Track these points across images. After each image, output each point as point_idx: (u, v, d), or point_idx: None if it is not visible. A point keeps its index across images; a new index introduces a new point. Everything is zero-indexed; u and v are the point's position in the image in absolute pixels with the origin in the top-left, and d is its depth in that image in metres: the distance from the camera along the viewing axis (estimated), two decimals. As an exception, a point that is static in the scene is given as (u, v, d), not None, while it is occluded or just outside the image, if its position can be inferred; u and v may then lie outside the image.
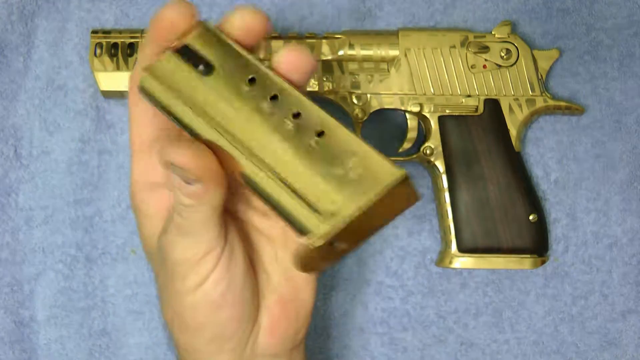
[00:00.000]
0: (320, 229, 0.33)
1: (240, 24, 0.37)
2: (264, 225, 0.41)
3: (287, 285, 0.40)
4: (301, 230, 0.34)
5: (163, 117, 0.38)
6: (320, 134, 0.35)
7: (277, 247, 0.41)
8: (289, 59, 0.37)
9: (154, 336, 0.54)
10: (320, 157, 0.34)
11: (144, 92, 0.38)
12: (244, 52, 0.37)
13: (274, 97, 0.36)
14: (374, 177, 0.33)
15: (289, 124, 0.35)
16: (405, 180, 0.33)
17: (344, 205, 0.33)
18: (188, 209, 0.36)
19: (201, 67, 0.37)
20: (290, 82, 0.37)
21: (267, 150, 0.35)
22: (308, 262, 0.34)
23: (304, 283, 0.41)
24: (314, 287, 0.41)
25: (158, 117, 0.38)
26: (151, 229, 0.40)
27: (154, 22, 0.37)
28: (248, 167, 0.35)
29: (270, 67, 0.37)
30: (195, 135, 0.37)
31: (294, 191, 0.34)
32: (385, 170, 0.33)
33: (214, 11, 0.56)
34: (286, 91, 0.36)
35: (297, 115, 0.35)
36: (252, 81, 0.36)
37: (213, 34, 0.38)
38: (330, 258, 0.36)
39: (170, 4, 0.37)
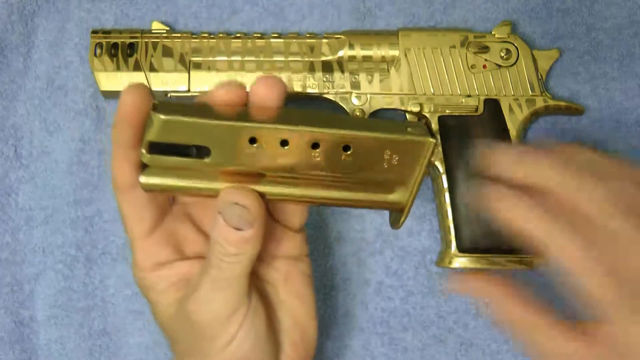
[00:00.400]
0: (404, 199, 0.41)
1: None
2: (264, 271, 0.42)
3: (295, 328, 0.42)
4: (393, 208, 0.42)
5: (159, 196, 0.40)
6: (345, 147, 0.38)
7: (280, 291, 0.42)
8: (260, 93, 0.38)
9: (154, 336, 0.54)
10: (361, 164, 0.39)
11: (150, 190, 0.39)
12: (222, 122, 0.37)
13: (283, 143, 0.38)
14: (412, 153, 0.39)
15: (317, 156, 0.38)
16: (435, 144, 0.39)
17: (407, 177, 0.40)
18: (230, 259, 0.37)
19: (193, 151, 0.38)
20: (282, 118, 0.38)
21: (321, 191, 0.40)
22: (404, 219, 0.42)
23: (309, 321, 0.43)
24: (316, 322, 0.43)
25: (154, 198, 0.40)
26: (166, 301, 0.41)
27: (117, 120, 0.38)
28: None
29: (255, 119, 0.38)
30: None
31: (362, 200, 0.41)
32: (415, 143, 0.39)
33: (213, 12, 0.56)
34: (292, 133, 0.37)
35: (316, 146, 0.38)
36: (253, 141, 0.37)
37: (178, 121, 0.36)
38: None
39: (127, 89, 0.37)
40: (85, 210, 0.54)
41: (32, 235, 0.54)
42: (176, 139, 0.37)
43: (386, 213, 0.54)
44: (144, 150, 0.38)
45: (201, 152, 0.38)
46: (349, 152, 0.38)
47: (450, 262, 0.51)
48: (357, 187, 0.40)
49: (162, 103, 0.37)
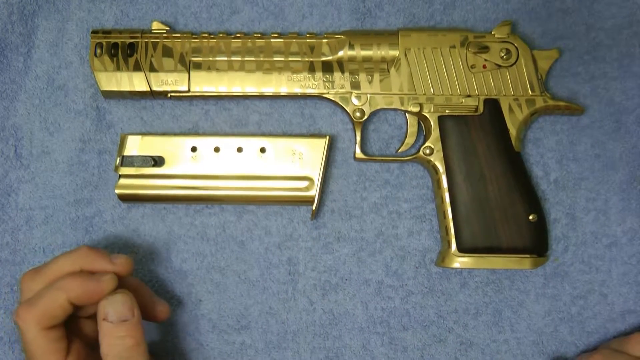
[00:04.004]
0: (312, 192, 0.52)
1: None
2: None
3: None
4: (305, 202, 0.53)
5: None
6: (262, 149, 0.53)
7: None
8: None
9: (152, 336, 0.54)
10: (275, 161, 0.52)
11: (123, 198, 0.52)
12: (169, 136, 0.53)
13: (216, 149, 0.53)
14: (314, 148, 0.52)
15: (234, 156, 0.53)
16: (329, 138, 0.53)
17: (313, 167, 0.52)
18: (131, 349, 0.43)
19: (152, 162, 0.52)
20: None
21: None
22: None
23: None
24: None
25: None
26: None
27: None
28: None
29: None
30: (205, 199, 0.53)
31: (279, 188, 0.52)
32: (315, 141, 0.53)
33: (213, 12, 0.56)
34: (223, 139, 0.53)
35: (239, 150, 0.53)
36: (193, 149, 0.52)
37: (140, 139, 0.52)
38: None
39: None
40: (85, 210, 0.54)
41: (32, 235, 0.54)
42: (139, 152, 0.52)
43: (387, 213, 0.54)
44: (117, 163, 0.52)
45: (157, 163, 0.52)
46: (264, 152, 0.52)
47: (450, 262, 0.51)
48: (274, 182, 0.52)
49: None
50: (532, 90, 0.52)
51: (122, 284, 0.46)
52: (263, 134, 0.54)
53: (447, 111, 0.52)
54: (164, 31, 0.53)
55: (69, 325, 0.46)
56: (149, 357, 0.45)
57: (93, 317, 0.47)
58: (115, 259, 0.46)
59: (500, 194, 0.51)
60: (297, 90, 0.52)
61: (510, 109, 0.52)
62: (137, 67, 0.52)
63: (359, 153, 0.53)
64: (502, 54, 0.52)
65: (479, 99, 0.52)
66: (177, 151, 0.52)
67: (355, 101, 0.52)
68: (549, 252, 0.54)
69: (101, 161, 0.55)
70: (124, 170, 0.52)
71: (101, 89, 0.52)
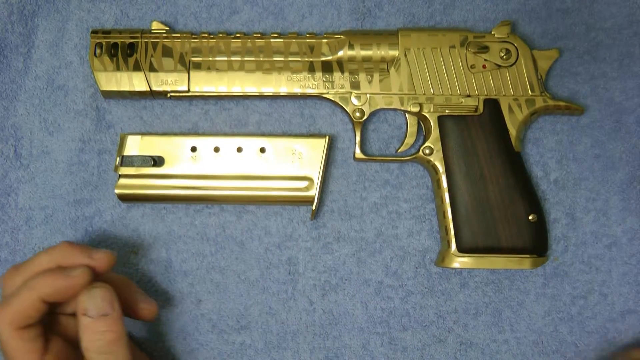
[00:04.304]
0: (311, 192, 0.52)
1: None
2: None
3: None
4: (305, 202, 0.53)
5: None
6: (262, 149, 0.53)
7: None
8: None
9: (152, 335, 0.54)
10: (275, 161, 0.52)
11: (123, 198, 0.52)
12: (169, 136, 0.53)
13: (216, 149, 0.52)
14: (314, 148, 0.52)
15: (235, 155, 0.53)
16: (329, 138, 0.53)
17: (313, 167, 0.52)
18: (112, 344, 0.43)
19: (152, 162, 0.52)
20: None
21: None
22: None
23: None
24: None
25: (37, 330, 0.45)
26: None
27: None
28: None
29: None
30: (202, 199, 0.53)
31: (279, 188, 0.52)
32: (315, 141, 0.53)
33: (213, 12, 0.56)
34: (223, 139, 0.53)
35: (239, 150, 0.53)
36: (193, 149, 0.52)
37: (139, 139, 0.52)
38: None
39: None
40: (85, 210, 0.54)
41: (32, 235, 0.54)
42: (139, 151, 0.52)
43: (387, 213, 0.54)
44: (117, 163, 0.52)
45: (157, 163, 0.52)
46: (264, 152, 0.52)
47: (450, 262, 0.51)
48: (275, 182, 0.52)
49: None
50: (532, 90, 0.52)
51: (105, 279, 0.46)
52: (263, 134, 0.54)
53: (446, 111, 0.52)
54: (164, 31, 0.53)
55: (49, 323, 0.46)
56: (130, 351, 0.44)
57: (75, 314, 0.46)
58: (95, 254, 0.45)
59: (500, 194, 0.51)
60: (296, 90, 0.52)
61: (510, 109, 0.52)
62: (137, 67, 0.52)
63: (358, 153, 0.53)
64: (502, 54, 0.52)
65: (478, 99, 0.52)
66: (177, 151, 0.52)
67: (355, 101, 0.52)
68: (549, 252, 0.54)
69: (101, 161, 0.55)
70: (124, 170, 0.52)
71: (101, 89, 0.52)
